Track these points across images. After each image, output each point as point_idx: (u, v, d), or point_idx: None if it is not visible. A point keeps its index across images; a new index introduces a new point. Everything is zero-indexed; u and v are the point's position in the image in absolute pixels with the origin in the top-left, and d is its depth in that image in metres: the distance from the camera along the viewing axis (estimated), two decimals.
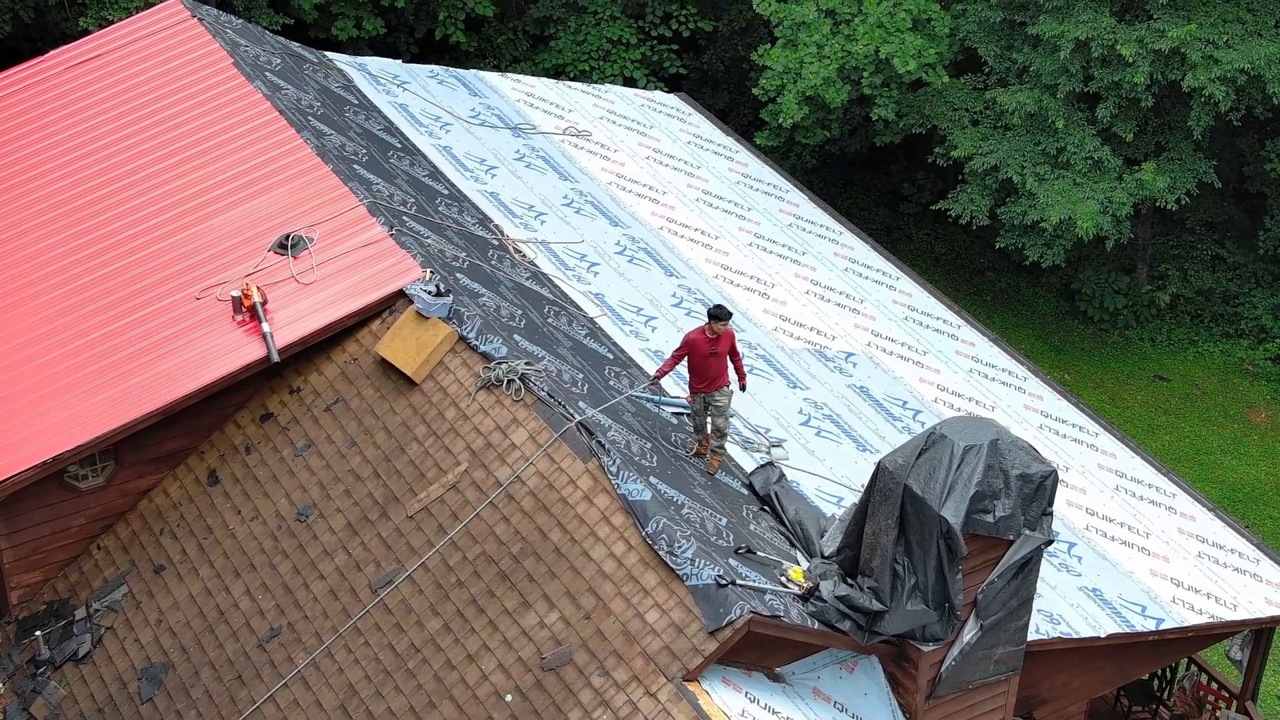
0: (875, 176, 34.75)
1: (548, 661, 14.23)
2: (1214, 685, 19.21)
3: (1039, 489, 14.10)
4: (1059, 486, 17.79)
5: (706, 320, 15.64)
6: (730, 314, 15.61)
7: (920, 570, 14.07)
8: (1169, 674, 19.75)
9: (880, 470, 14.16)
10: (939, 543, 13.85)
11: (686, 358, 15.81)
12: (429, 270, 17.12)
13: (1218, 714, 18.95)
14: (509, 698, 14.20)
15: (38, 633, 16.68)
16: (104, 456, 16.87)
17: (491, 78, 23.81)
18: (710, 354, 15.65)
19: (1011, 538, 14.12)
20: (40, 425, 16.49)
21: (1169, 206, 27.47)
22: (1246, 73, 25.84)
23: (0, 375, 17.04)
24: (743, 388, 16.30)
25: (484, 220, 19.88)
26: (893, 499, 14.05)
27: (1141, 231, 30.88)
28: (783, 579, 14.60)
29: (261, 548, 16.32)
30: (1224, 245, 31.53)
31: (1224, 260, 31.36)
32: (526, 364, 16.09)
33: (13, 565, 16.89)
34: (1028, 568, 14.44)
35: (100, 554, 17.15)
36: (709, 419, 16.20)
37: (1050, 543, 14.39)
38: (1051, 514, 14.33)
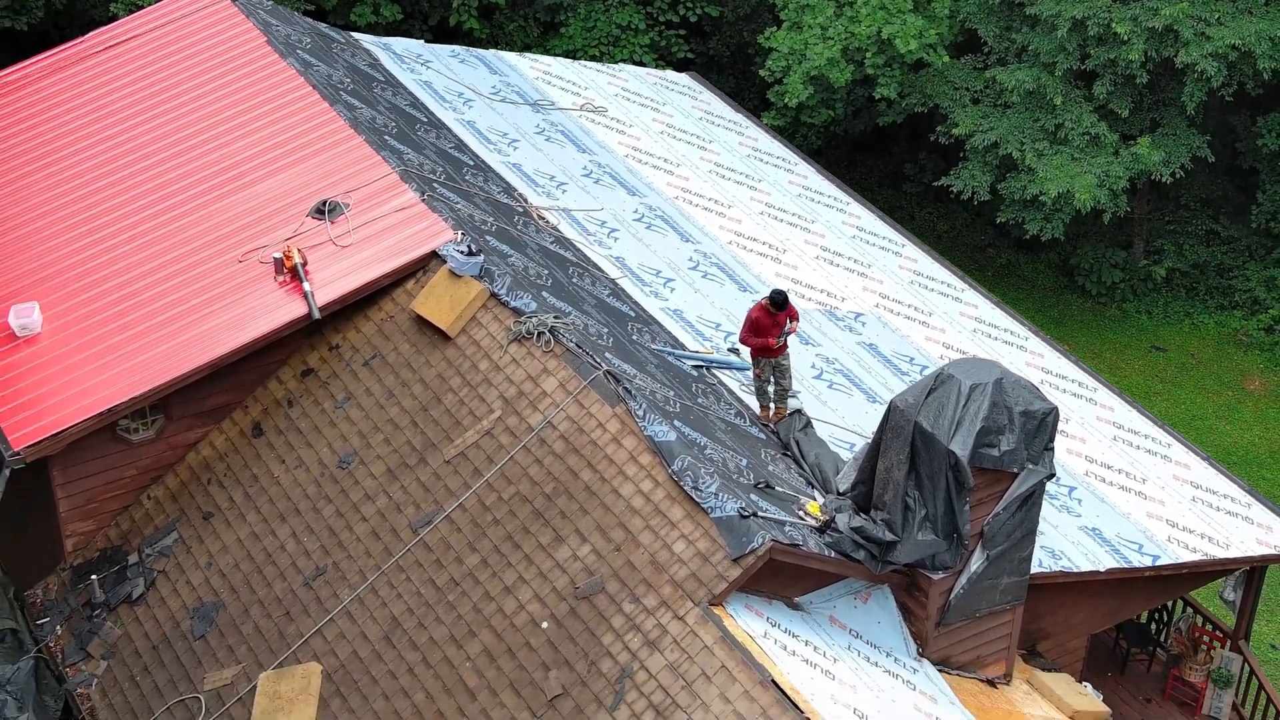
0: (878, 158, 35.68)
1: (581, 590, 15.15)
2: (1208, 626, 20.11)
3: (1041, 425, 15.02)
4: (1059, 436, 18.77)
5: (766, 299, 16.89)
6: (787, 298, 16.75)
7: (930, 502, 14.99)
8: (1166, 618, 20.67)
9: (892, 409, 15.09)
10: (947, 475, 14.77)
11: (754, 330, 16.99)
12: (460, 232, 18.04)
13: (1212, 653, 19.86)
14: (545, 624, 15.12)
15: (93, 577, 17.61)
16: (154, 410, 17.78)
17: (510, 57, 24.72)
18: (773, 326, 16.85)
19: (1015, 470, 15.04)
20: (94, 380, 17.39)
21: (1164, 179, 28.39)
22: (1237, 49, 26.78)
23: (56, 334, 17.94)
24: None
25: (508, 189, 20.80)
26: (904, 435, 14.97)
27: (1138, 207, 31.81)
28: (800, 513, 15.52)
29: (305, 494, 17.24)
30: (1218, 220, 32.46)
31: (1218, 235, 32.28)
32: (555, 318, 17.00)
33: (68, 514, 17.80)
34: (1031, 500, 15.35)
35: (151, 503, 18.07)
36: (773, 380, 17.28)
37: (1052, 476, 15.32)
38: (1052, 449, 15.24)
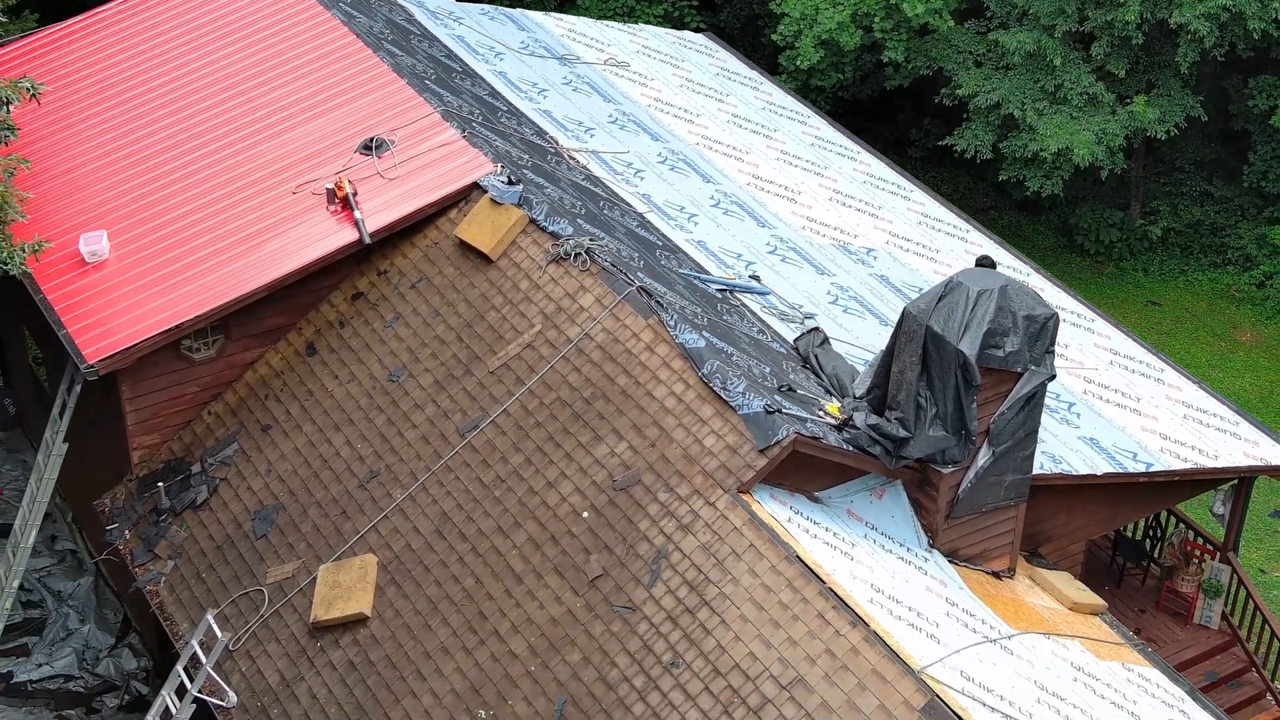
0: (884, 124, 36.93)
1: (619, 483, 16.45)
2: (1199, 540, 21.40)
3: (1043, 329, 16.31)
4: (1059, 359, 20.05)
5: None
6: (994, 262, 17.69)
7: (940, 400, 16.28)
8: (1159, 533, 21.95)
9: (905, 314, 16.38)
10: (956, 374, 16.06)
11: None
12: (499, 165, 19.33)
13: (1202, 565, 21.14)
14: (585, 514, 16.41)
15: (159, 485, 18.90)
16: (214, 331, 19.07)
17: (536, 15, 26.02)
18: None
19: (1019, 370, 16.32)
20: (159, 302, 18.67)
21: (1159, 136, 29.67)
22: (1228, 9, 28.05)
23: (122, 260, 19.22)
24: None
25: (540, 132, 22.09)
26: (916, 339, 16.26)
27: (1135, 170, 33.09)
28: (820, 413, 16.81)
29: (358, 405, 18.53)
30: (1212, 182, 33.73)
31: (1212, 195, 33.56)
32: (591, 240, 18.29)
33: (135, 428, 19.08)
34: (1033, 401, 16.64)
35: (211, 418, 19.36)
36: None
37: (1052, 377, 16.60)
38: (1053, 353, 16.53)
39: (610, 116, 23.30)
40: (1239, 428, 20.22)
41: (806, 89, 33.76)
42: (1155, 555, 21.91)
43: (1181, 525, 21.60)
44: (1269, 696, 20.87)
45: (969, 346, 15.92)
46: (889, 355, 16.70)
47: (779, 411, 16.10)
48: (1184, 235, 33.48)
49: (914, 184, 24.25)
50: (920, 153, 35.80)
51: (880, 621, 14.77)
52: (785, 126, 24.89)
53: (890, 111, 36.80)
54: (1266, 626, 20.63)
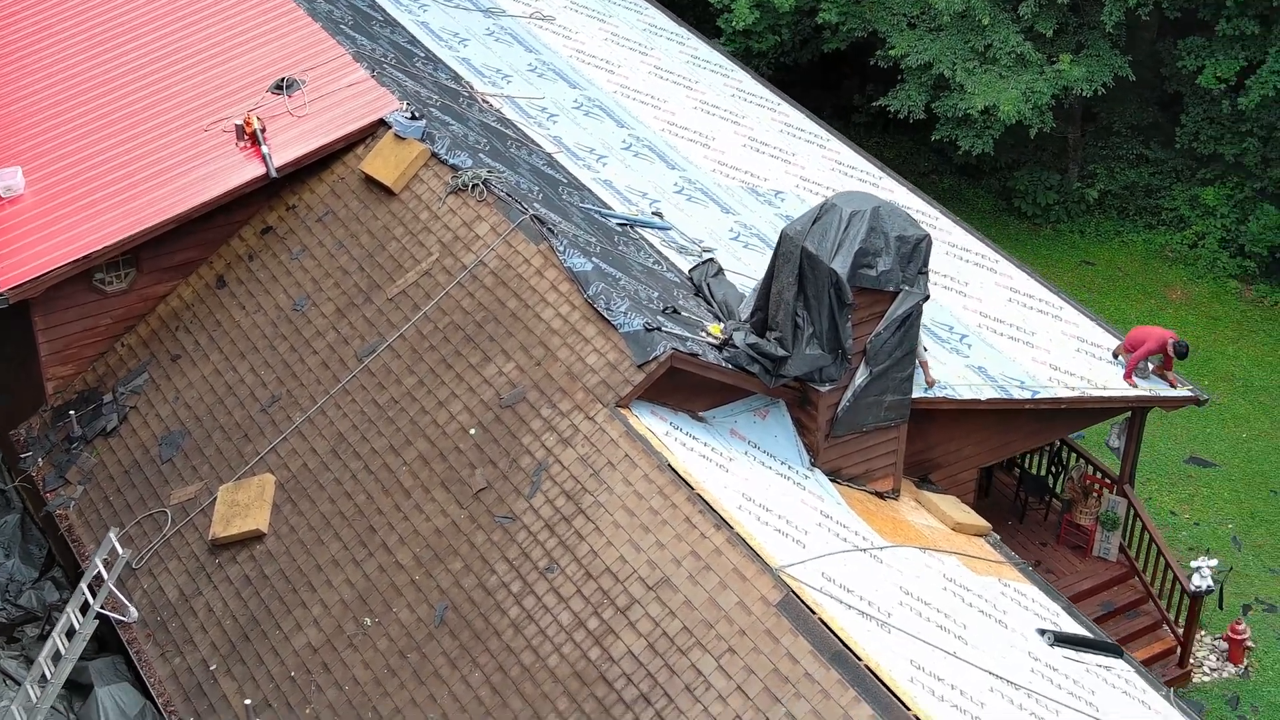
0: (828, 92, 37.44)
1: (505, 400, 16.94)
2: (1098, 474, 21.88)
3: (915, 249, 16.78)
4: (956, 295, 20.57)
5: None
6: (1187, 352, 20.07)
7: (817, 320, 16.76)
8: (1060, 469, 22.43)
9: (783, 236, 16.86)
10: (830, 293, 16.54)
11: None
12: (405, 102, 19.82)
13: (1100, 498, 21.63)
14: (473, 431, 16.90)
15: (71, 413, 19.38)
16: (126, 264, 19.56)
17: None
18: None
19: (892, 289, 16.80)
20: (71, 233, 19.16)
21: (1085, 94, 30.14)
22: None
23: (37, 194, 19.71)
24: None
25: (456, 78, 22.57)
26: (793, 260, 16.74)
27: (1073, 134, 33.57)
28: (703, 334, 17.29)
29: (263, 334, 19.02)
30: (1148, 145, 34.19)
31: (1147, 158, 34.02)
32: (489, 171, 18.78)
33: (49, 359, 19.57)
34: (909, 322, 17.11)
35: (124, 350, 19.84)
36: None
37: (926, 298, 17.08)
38: (926, 273, 17.01)
39: (530, 65, 23.78)
40: None
41: (749, 55, 34.26)
42: (1057, 490, 22.39)
43: (1081, 460, 22.08)
44: (1165, 627, 21.36)
45: (841, 265, 16.40)
46: (769, 278, 17.18)
47: (659, 329, 16.58)
48: (1120, 198, 33.94)
49: (831, 134, 24.73)
50: (863, 118, 36.26)
51: (746, 526, 15.25)
52: (707, 79, 25.36)
53: (836, 79, 37.28)
54: (1162, 558, 21.11)
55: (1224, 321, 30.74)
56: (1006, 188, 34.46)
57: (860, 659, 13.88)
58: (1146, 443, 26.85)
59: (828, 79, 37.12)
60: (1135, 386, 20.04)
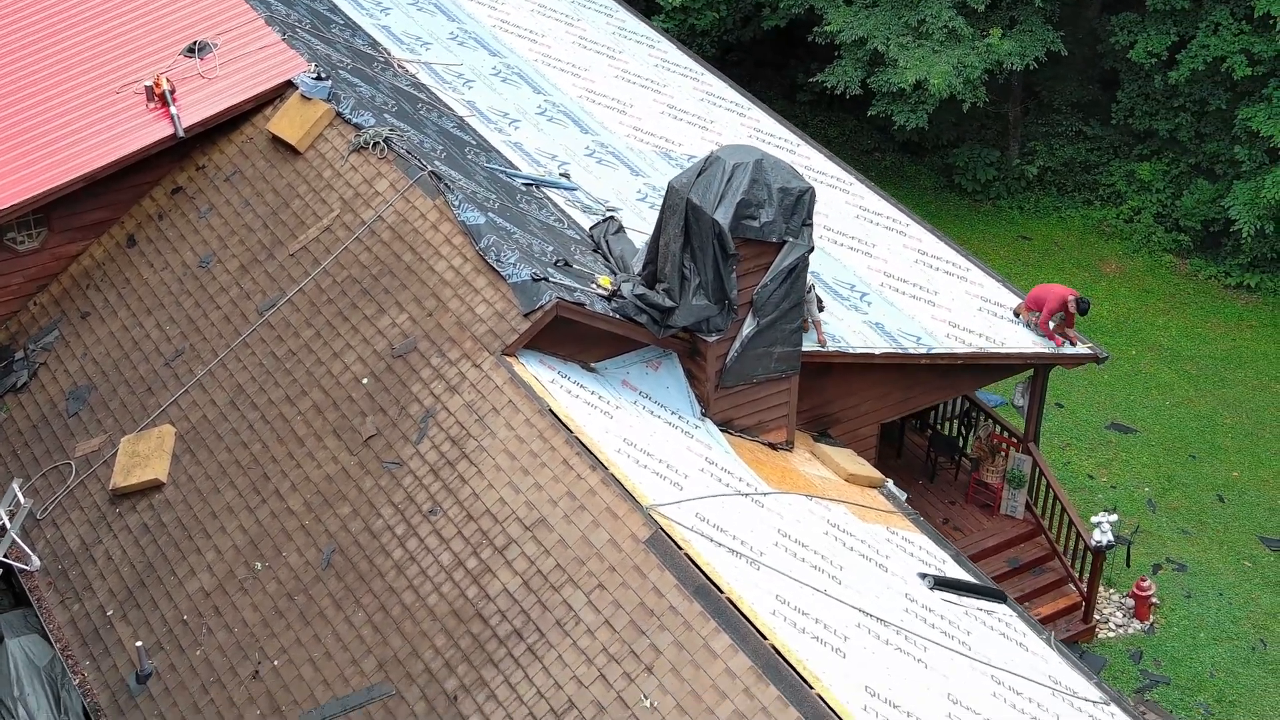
0: (776, 71, 37.76)
1: (397, 350, 17.23)
2: (1004, 433, 22.18)
3: (798, 201, 17.08)
4: (861, 255, 20.88)
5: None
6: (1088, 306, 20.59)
7: (702, 270, 17.05)
8: (968, 430, 22.73)
9: (669, 189, 17.15)
10: (714, 244, 16.84)
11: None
12: (313, 64, 20.11)
13: (1006, 456, 21.94)
14: (365, 380, 17.19)
15: None
16: (38, 223, 19.84)
17: None
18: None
19: (775, 241, 17.09)
20: None
21: (1017, 68, 30.46)
22: None
23: None
24: None
25: (374, 44, 22.87)
26: (679, 212, 17.04)
27: (1013, 111, 33.91)
28: (593, 286, 17.59)
29: (170, 290, 19.31)
30: (1087, 122, 34.53)
31: (1085, 135, 34.36)
32: (390, 130, 19.07)
33: None
34: (794, 273, 17.41)
35: (36, 308, 20.13)
36: None
37: (810, 250, 17.37)
38: (811, 225, 17.31)
39: (451, 34, 24.07)
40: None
41: (692, 34, 34.58)
42: (966, 451, 22.69)
43: (989, 420, 22.39)
44: (1070, 584, 21.67)
45: (724, 216, 16.70)
46: (658, 231, 17.47)
47: (546, 280, 16.88)
48: (1059, 174, 34.27)
49: (754, 103, 25.02)
50: (807, 97, 36.58)
51: (622, 468, 15.54)
52: (632, 50, 25.65)
53: (783, 60, 37.59)
54: (1066, 515, 21.42)
55: (1156, 294, 31.07)
56: (947, 165, 34.79)
57: (723, 592, 14.18)
58: (1069, 409, 27.25)
59: (776, 59, 37.46)
60: (1072, 344, 20.38)
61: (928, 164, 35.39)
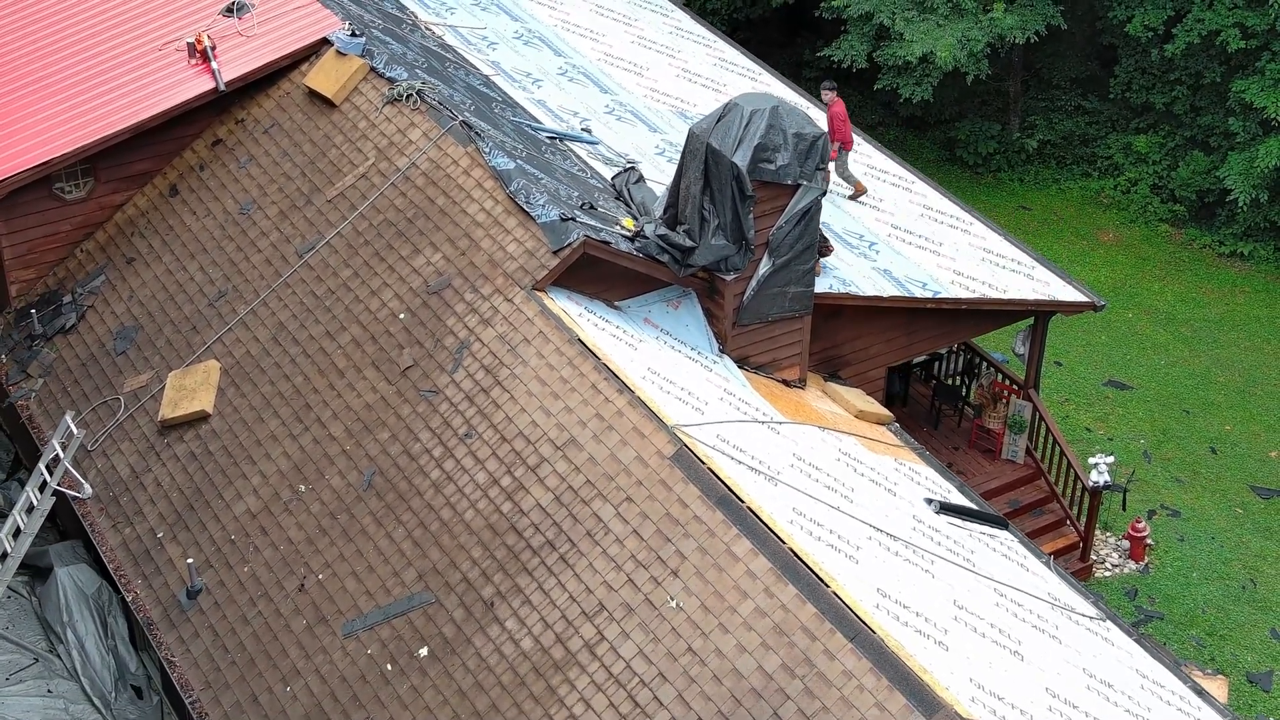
0: (786, 50, 38.75)
1: (432, 286, 18.19)
2: (1005, 381, 23.15)
3: (812, 146, 18.05)
4: (869, 209, 21.83)
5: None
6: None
7: (721, 212, 18.02)
8: (971, 380, 23.69)
9: (690, 135, 18.12)
10: (732, 185, 17.80)
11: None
12: (347, 23, 21.09)
13: (1008, 402, 22.90)
14: (402, 315, 18.15)
15: (32, 313, 20.63)
16: (85, 174, 20.80)
17: None
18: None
19: (790, 183, 18.06)
20: (32, 143, 20.40)
21: (1019, 41, 31.43)
22: None
23: None
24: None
25: (401, 7, 23.84)
26: (699, 156, 18.00)
27: (1013, 86, 34.89)
28: (617, 227, 18.55)
29: (212, 236, 20.27)
30: (1085, 97, 35.52)
31: (1084, 109, 35.35)
32: (422, 83, 20.04)
33: (11, 263, 20.82)
34: (809, 215, 18.38)
35: (83, 254, 21.09)
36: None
37: (824, 193, 18.34)
38: (824, 170, 18.28)
39: (475, 0, 25.04)
40: (1034, 271, 21.97)
41: (703, 13, 35.55)
42: (969, 399, 23.65)
43: (990, 367, 23.35)
44: (1068, 524, 22.63)
45: (742, 159, 17.66)
46: (679, 175, 18.43)
47: (573, 219, 17.84)
48: (1058, 147, 35.24)
49: (765, 69, 25.98)
50: (813, 72, 37.54)
51: (648, 392, 16.51)
52: (646, 19, 26.62)
53: (791, 40, 38.57)
54: (1064, 458, 22.38)
55: (1152, 261, 32.04)
56: (950, 138, 35.77)
57: (743, 501, 15.15)
58: (1068, 367, 28.23)
59: (786, 39, 38.45)
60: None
61: (930, 138, 36.38)
